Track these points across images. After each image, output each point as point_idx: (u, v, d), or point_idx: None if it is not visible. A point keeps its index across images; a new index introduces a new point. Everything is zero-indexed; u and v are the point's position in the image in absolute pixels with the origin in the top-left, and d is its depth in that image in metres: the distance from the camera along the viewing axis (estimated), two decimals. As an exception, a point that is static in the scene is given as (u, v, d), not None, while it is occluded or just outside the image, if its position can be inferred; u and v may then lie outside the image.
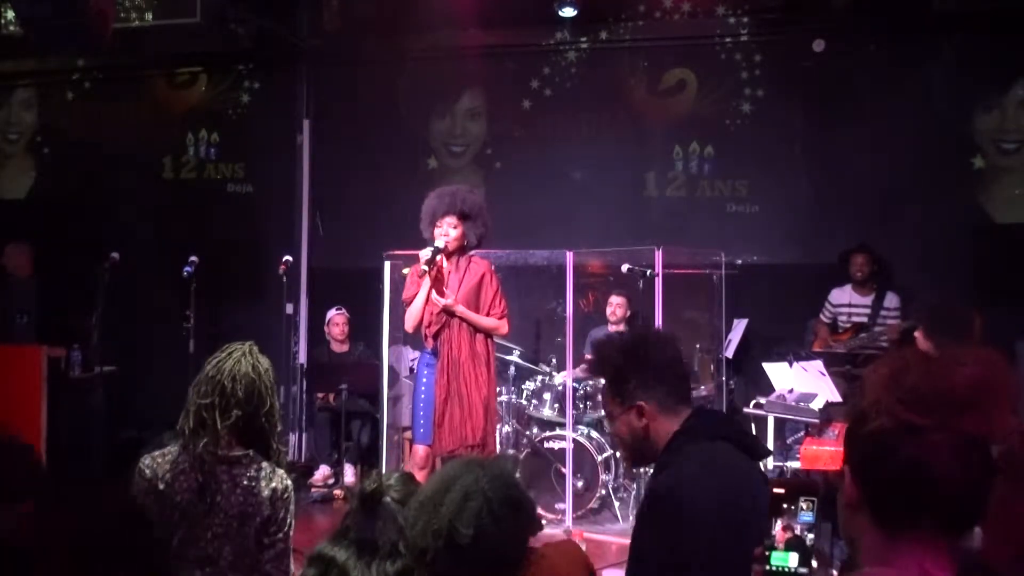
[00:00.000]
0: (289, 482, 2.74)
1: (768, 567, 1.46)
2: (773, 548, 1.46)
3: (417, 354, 5.80)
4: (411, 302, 4.87)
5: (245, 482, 2.65)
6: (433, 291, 4.80)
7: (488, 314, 4.91)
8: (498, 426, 6.55)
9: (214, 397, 2.64)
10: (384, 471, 2.50)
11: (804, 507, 1.45)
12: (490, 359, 4.93)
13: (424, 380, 4.91)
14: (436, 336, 4.86)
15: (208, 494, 2.60)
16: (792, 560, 1.45)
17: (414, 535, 1.92)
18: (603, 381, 2.47)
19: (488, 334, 4.92)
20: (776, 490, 1.48)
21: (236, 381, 2.64)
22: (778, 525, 1.47)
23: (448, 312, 4.79)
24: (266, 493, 2.66)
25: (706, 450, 2.19)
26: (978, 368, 1.28)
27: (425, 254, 4.74)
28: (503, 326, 4.99)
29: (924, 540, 1.27)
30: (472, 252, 4.99)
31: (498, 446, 6.36)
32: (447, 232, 4.79)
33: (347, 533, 2.19)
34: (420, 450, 4.86)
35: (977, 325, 3.90)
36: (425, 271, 4.72)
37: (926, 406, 1.25)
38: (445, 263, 4.85)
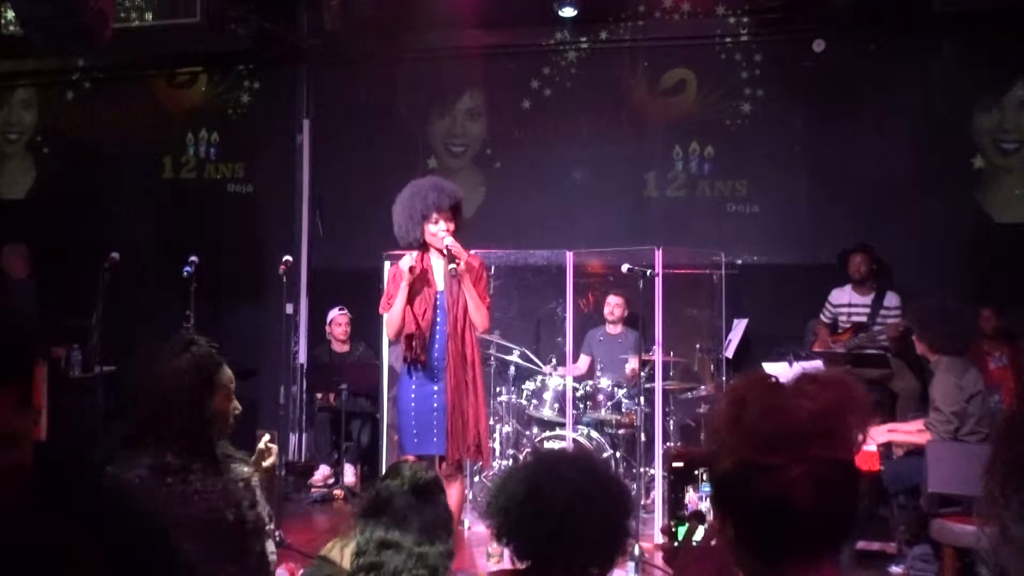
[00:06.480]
0: (243, 471, 2.70)
1: (678, 542, 1.46)
2: (680, 522, 1.45)
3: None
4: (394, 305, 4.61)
5: (198, 487, 2.56)
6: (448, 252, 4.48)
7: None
8: (498, 426, 6.56)
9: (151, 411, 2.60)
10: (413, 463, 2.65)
11: (704, 478, 1.45)
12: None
13: (414, 387, 4.63)
14: (426, 344, 4.56)
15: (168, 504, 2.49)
16: (698, 532, 1.46)
17: (495, 512, 2.13)
18: None
19: (473, 327, 4.61)
20: (676, 463, 1.48)
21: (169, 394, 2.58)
22: (689, 496, 1.48)
23: (457, 262, 4.46)
24: (221, 490, 2.59)
25: None
26: (817, 398, 1.24)
27: (451, 262, 4.47)
28: (488, 319, 4.68)
29: (804, 561, 1.25)
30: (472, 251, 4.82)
31: (498, 446, 6.37)
32: (446, 228, 4.52)
33: (404, 520, 2.36)
34: (412, 459, 4.71)
35: (976, 323, 3.87)
36: (455, 270, 4.46)
37: (770, 447, 1.22)
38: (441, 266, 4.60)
